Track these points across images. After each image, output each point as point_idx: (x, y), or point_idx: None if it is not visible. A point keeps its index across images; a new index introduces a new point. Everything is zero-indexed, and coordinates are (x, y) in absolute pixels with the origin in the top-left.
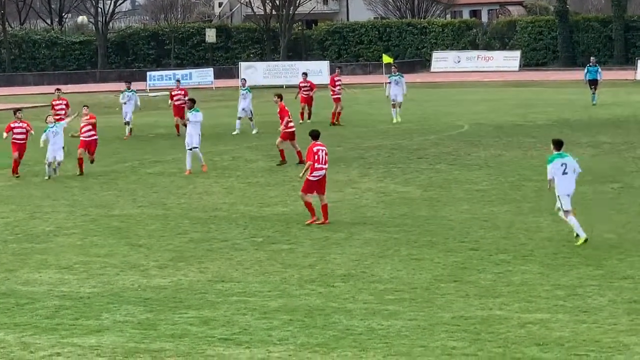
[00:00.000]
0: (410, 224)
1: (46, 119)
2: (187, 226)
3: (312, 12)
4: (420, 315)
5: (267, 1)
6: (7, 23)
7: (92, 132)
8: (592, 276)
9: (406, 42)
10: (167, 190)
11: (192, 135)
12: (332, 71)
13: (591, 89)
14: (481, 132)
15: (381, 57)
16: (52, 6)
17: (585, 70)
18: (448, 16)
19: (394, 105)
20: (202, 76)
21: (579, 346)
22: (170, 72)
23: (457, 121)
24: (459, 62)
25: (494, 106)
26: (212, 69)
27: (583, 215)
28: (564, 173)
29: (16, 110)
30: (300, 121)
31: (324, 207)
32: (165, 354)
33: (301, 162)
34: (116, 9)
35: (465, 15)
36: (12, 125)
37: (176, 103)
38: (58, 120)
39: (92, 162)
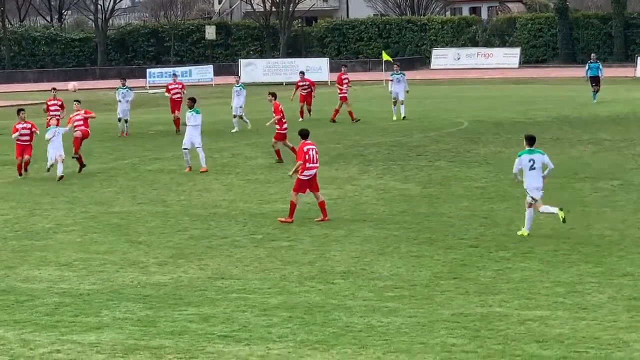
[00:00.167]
0: (410, 221)
1: (48, 123)
2: (187, 223)
3: (311, 9)
4: (420, 312)
5: None
6: (6, 20)
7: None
8: (591, 273)
9: (406, 39)
10: (166, 187)
11: (193, 136)
12: (332, 68)
13: (592, 86)
14: (481, 129)
15: (381, 54)
16: (52, 3)
17: (586, 67)
18: (448, 13)
19: (394, 103)
20: (202, 73)
21: (578, 343)
22: (170, 69)
23: (457, 118)
24: (458, 59)
25: (493, 103)
26: (211, 66)
27: (582, 212)
28: (532, 168)
29: (19, 110)
30: (300, 119)
31: (322, 204)
32: (164, 350)
33: (279, 160)
34: (116, 6)
35: (465, 12)
36: (17, 126)
37: (173, 97)
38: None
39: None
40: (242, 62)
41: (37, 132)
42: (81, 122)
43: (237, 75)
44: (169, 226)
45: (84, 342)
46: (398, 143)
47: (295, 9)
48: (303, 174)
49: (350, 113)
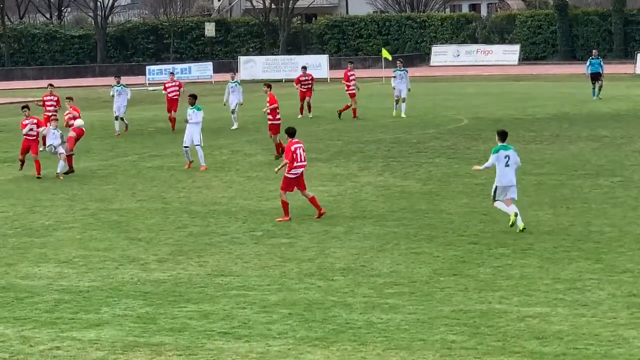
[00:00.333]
0: (410, 217)
1: (46, 119)
2: (187, 220)
3: (311, 5)
4: (420, 309)
5: None
6: (6, 17)
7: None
8: (591, 270)
9: (405, 36)
10: (166, 184)
11: (193, 134)
12: (331, 65)
13: (592, 82)
14: (480, 126)
15: (380, 51)
16: (51, 0)
17: (588, 63)
18: (447, 10)
19: (397, 101)
20: (202, 70)
21: (578, 340)
22: (169, 66)
23: (457, 115)
24: (458, 56)
25: (493, 100)
26: (211, 63)
27: (582, 209)
28: (506, 165)
29: (24, 107)
30: (299, 116)
31: (313, 200)
32: (164, 347)
33: (279, 155)
34: (115, 3)
35: (465, 9)
36: (24, 122)
37: (170, 95)
38: (50, 117)
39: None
40: (242, 59)
41: (42, 128)
42: (73, 122)
43: (233, 71)
44: (168, 223)
45: (84, 339)
46: (398, 140)
47: (295, 6)
48: (290, 172)
49: (354, 110)
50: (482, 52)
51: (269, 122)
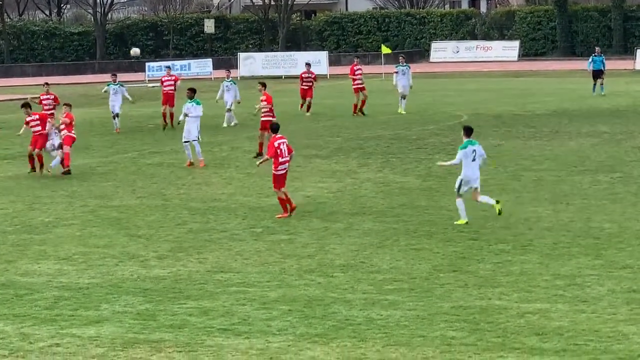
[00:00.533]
0: (409, 214)
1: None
2: (186, 217)
3: (310, 2)
4: (420, 305)
5: None
6: (5, 14)
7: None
8: (591, 266)
9: (405, 33)
10: (166, 181)
11: (191, 131)
12: (330, 62)
13: (594, 79)
14: (480, 122)
15: (380, 47)
16: None
17: (590, 60)
18: (447, 6)
19: (403, 97)
20: (201, 67)
21: (578, 336)
22: (169, 63)
23: (456, 111)
24: (457, 52)
25: (492, 96)
26: (210, 59)
27: (582, 205)
28: (473, 160)
29: (23, 105)
30: (302, 111)
31: (285, 195)
32: (164, 344)
33: (259, 154)
34: (114, 0)
35: (464, 5)
36: (27, 119)
37: (165, 89)
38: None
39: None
40: (241, 55)
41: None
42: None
43: (228, 69)
44: (168, 220)
45: (84, 336)
46: (397, 136)
47: (294, 2)
48: (277, 169)
49: (355, 106)
50: (481, 48)
51: (263, 119)
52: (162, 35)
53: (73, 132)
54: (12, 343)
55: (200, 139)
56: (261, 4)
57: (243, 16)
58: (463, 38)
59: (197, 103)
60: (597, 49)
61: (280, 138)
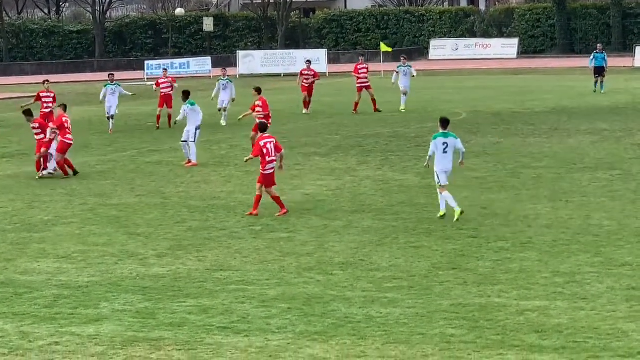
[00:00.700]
0: (409, 211)
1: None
2: (186, 215)
3: (309, 0)
4: (419, 302)
5: None
6: (4, 12)
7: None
8: (590, 263)
9: (404, 30)
10: (165, 179)
11: (189, 131)
12: (330, 60)
13: (595, 76)
14: (479, 120)
15: (379, 45)
16: None
17: (591, 57)
18: (446, 4)
19: (405, 93)
20: (200, 65)
21: (577, 333)
22: (168, 61)
23: (455, 109)
24: (456, 49)
25: (492, 94)
26: (209, 57)
27: (581, 202)
28: (444, 152)
29: (24, 112)
30: (304, 111)
31: (258, 198)
32: (164, 342)
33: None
34: None
35: (463, 2)
36: (32, 125)
37: (163, 92)
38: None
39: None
40: (240, 53)
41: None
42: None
43: (224, 67)
44: (167, 218)
45: (83, 334)
46: (396, 134)
47: (293, 0)
48: (265, 168)
49: (356, 104)
50: (480, 45)
51: (259, 120)
52: (161, 33)
53: (68, 135)
54: (11, 341)
55: (195, 141)
56: (260, 2)
57: (242, 14)
58: (462, 36)
59: (192, 104)
60: (598, 45)
61: (268, 137)
